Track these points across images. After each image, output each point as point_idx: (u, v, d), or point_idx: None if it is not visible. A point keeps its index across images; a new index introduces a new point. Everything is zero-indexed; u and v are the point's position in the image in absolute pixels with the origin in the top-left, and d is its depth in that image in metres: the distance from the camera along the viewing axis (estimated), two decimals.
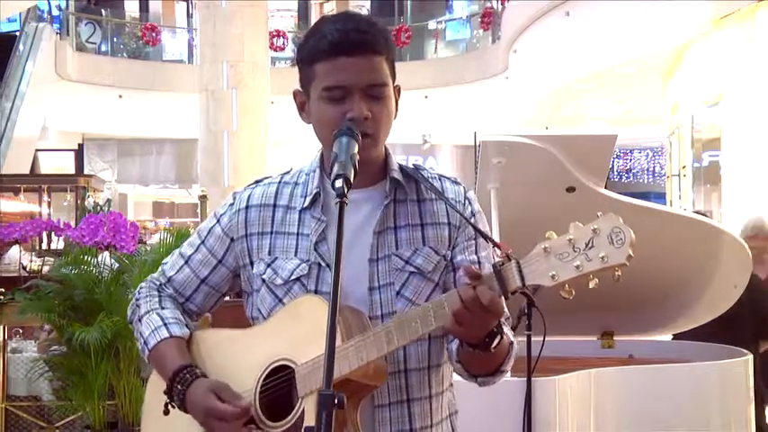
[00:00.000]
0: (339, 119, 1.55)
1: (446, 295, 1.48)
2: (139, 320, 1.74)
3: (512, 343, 1.61)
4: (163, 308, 1.74)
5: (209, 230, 1.75)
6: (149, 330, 1.70)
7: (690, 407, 3.38)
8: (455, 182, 1.73)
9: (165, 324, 1.70)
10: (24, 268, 5.60)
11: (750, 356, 3.67)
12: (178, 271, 1.77)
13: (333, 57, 1.56)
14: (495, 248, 1.56)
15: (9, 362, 4.87)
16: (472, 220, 1.68)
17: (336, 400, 1.24)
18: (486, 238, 1.64)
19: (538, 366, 2.90)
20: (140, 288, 1.80)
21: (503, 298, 1.45)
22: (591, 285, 1.36)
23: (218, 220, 1.74)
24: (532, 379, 2.94)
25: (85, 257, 4.44)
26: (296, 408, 1.54)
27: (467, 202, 1.70)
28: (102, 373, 4.22)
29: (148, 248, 4.84)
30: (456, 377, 1.75)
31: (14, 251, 7.11)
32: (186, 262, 1.76)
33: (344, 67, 1.55)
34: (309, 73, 1.60)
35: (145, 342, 1.71)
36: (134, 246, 4.71)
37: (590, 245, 1.35)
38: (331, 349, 1.29)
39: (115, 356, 4.22)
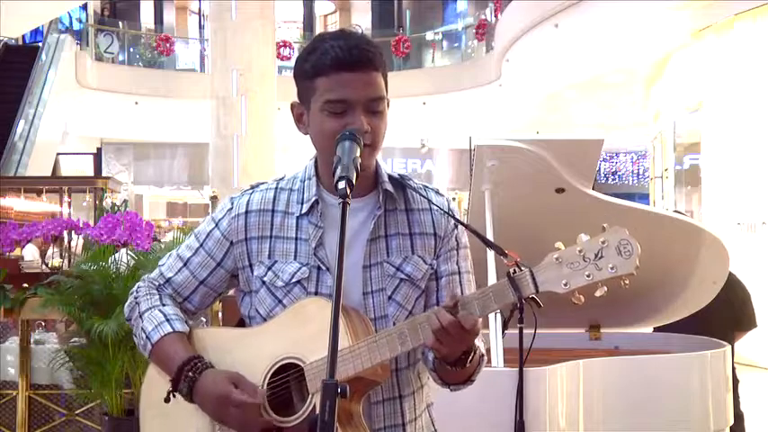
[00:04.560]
0: (340, 131, 1.54)
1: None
2: (140, 317, 1.71)
3: (482, 356, 1.64)
4: (164, 305, 1.72)
5: (208, 234, 1.72)
6: (152, 326, 1.68)
7: (672, 395, 3.37)
8: (438, 193, 1.73)
9: (168, 320, 1.68)
10: (46, 264, 5.58)
11: (728, 347, 3.67)
12: (177, 273, 1.74)
13: (336, 72, 1.54)
14: (503, 257, 1.54)
15: (32, 353, 4.86)
16: (456, 232, 1.70)
17: (339, 390, 1.24)
18: (494, 246, 1.62)
19: (529, 357, 2.90)
20: (138, 287, 1.77)
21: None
22: (598, 294, 1.40)
23: (216, 225, 1.71)
24: (524, 369, 2.94)
25: (103, 254, 4.42)
26: (307, 402, 1.54)
27: (450, 212, 1.71)
28: (119, 364, 4.21)
29: (163, 246, 4.83)
30: None
31: (29, 249, 7.10)
32: (185, 264, 1.73)
33: (347, 81, 1.54)
34: (310, 86, 1.59)
35: (147, 337, 1.68)
36: (149, 243, 4.70)
37: (599, 255, 1.39)
38: (334, 342, 1.29)
39: (131, 348, 4.21)
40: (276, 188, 1.71)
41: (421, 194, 1.69)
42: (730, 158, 10.19)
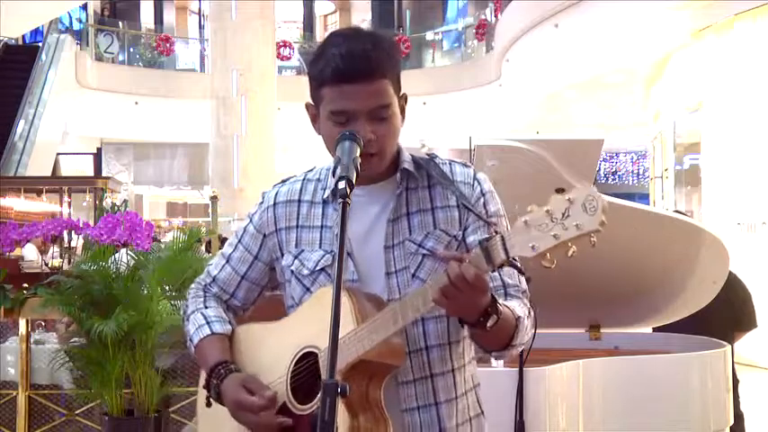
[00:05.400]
0: None
1: (442, 273, 1.47)
2: (187, 320, 1.78)
3: (518, 318, 1.58)
4: (207, 307, 1.78)
5: (244, 230, 1.79)
6: (194, 329, 1.74)
7: (672, 395, 3.37)
8: (464, 165, 1.72)
9: (208, 322, 1.74)
10: (46, 264, 5.59)
11: (728, 347, 3.67)
12: (221, 270, 1.81)
13: (337, 84, 1.55)
14: (485, 224, 1.57)
15: (32, 353, 4.86)
16: (481, 201, 1.67)
17: (339, 389, 1.24)
18: (479, 216, 1.63)
19: (529, 357, 2.90)
20: (190, 289, 1.85)
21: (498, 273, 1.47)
22: (569, 254, 1.34)
23: (250, 220, 1.78)
24: (524, 369, 2.94)
25: (103, 254, 4.43)
26: (321, 389, 1.55)
27: (476, 182, 1.69)
28: (119, 364, 4.21)
29: (162, 246, 4.83)
30: None
31: (29, 249, 7.11)
32: (227, 261, 1.80)
33: (348, 94, 1.54)
34: (318, 94, 1.60)
35: (190, 339, 1.75)
36: (149, 243, 4.71)
37: (566, 214, 1.33)
38: (334, 340, 1.30)
39: (131, 348, 4.21)
40: (303, 179, 1.75)
41: (444, 170, 1.68)
42: (730, 158, 10.19)
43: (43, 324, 5.27)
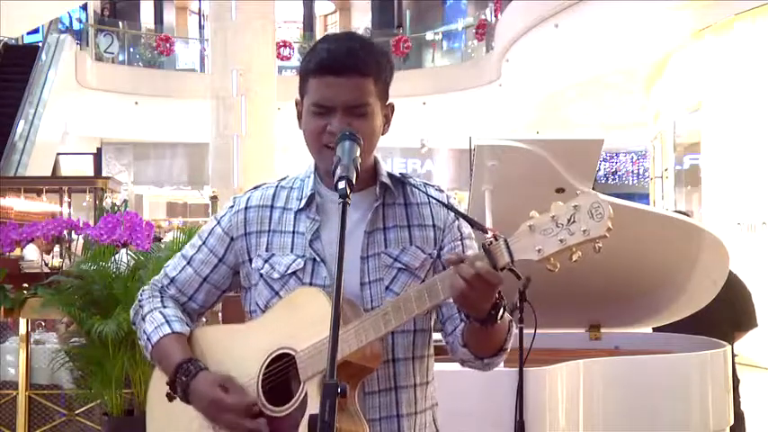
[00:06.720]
0: (320, 131, 1.60)
1: (438, 276, 1.50)
2: (143, 319, 1.75)
3: (511, 320, 1.63)
4: (165, 306, 1.75)
5: (210, 231, 1.76)
6: (152, 327, 1.71)
7: (673, 395, 3.38)
8: (438, 189, 1.76)
9: (168, 321, 1.71)
10: (46, 264, 5.59)
11: (728, 347, 3.67)
12: (180, 271, 1.78)
13: (321, 75, 1.59)
14: (483, 232, 1.57)
15: (32, 352, 4.86)
16: (456, 224, 1.71)
17: (339, 390, 1.25)
18: (472, 222, 1.64)
19: (530, 357, 2.90)
20: (143, 291, 1.81)
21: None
22: (574, 258, 1.38)
23: (218, 222, 1.76)
24: (524, 369, 2.94)
25: (103, 254, 4.43)
26: (299, 391, 1.55)
27: (448, 203, 1.72)
28: (119, 364, 4.21)
29: (162, 246, 4.83)
30: (452, 367, 1.75)
31: (31, 249, 7.11)
32: (188, 262, 1.77)
33: (330, 85, 1.58)
34: (304, 86, 1.65)
35: (148, 338, 1.71)
36: (149, 243, 4.71)
37: (572, 220, 1.38)
38: (334, 341, 1.30)
39: (131, 347, 4.21)
40: (277, 186, 1.76)
41: (420, 190, 1.71)
42: (730, 158, 10.20)
43: (43, 324, 5.27)
